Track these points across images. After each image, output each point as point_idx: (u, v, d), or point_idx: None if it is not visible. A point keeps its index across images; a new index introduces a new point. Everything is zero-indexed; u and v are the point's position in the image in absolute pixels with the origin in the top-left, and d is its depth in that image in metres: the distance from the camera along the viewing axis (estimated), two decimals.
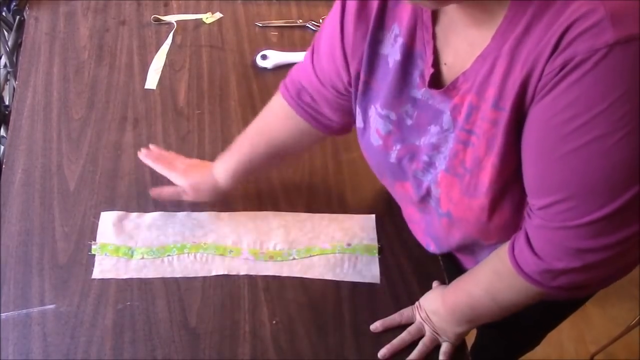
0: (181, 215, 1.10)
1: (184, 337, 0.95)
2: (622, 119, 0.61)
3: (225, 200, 1.11)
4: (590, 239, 0.69)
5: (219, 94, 1.31)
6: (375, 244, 1.07)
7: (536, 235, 0.74)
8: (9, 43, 1.55)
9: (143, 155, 1.12)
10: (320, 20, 1.46)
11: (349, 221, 1.10)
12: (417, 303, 0.97)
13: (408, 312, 0.97)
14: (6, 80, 1.63)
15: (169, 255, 1.04)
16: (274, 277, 1.02)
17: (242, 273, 1.03)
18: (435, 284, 1.01)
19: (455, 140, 0.77)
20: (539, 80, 0.64)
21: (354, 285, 1.01)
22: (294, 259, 1.05)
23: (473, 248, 0.92)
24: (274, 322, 0.97)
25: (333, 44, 0.86)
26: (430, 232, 0.96)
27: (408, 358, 0.93)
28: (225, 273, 1.02)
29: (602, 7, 0.59)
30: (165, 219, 1.09)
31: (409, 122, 0.83)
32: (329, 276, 1.03)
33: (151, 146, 1.14)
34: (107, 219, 1.08)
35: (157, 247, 1.05)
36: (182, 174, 1.07)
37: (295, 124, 1.00)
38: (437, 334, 0.93)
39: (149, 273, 1.02)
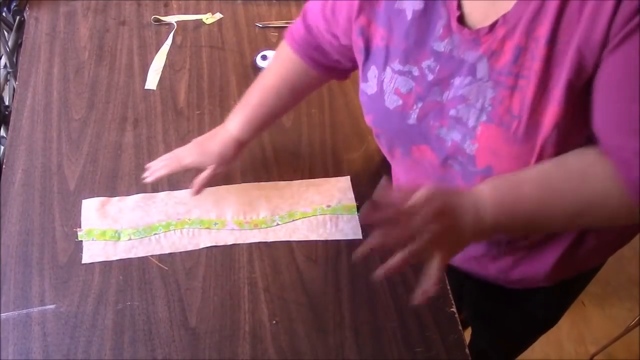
0: (162, 194, 1.12)
1: (184, 337, 0.95)
2: None
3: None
4: None
5: (219, 95, 1.31)
6: (354, 203, 1.11)
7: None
8: (9, 43, 1.55)
9: (150, 178, 1.09)
10: None
11: (325, 184, 1.14)
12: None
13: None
14: (6, 80, 1.63)
15: (155, 234, 1.06)
16: (272, 269, 1.02)
17: (229, 243, 1.05)
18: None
19: (499, 86, 0.75)
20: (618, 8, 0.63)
21: (354, 285, 1.02)
22: (277, 224, 1.08)
23: None
24: (274, 322, 0.97)
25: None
26: None
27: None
28: (213, 244, 1.05)
29: None
30: (147, 200, 1.11)
31: (430, 77, 0.81)
32: (313, 237, 1.07)
33: (148, 166, 1.11)
34: (90, 206, 1.10)
35: (143, 227, 1.07)
36: (200, 158, 1.07)
37: (301, 69, 1.03)
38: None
39: (139, 252, 1.04)
